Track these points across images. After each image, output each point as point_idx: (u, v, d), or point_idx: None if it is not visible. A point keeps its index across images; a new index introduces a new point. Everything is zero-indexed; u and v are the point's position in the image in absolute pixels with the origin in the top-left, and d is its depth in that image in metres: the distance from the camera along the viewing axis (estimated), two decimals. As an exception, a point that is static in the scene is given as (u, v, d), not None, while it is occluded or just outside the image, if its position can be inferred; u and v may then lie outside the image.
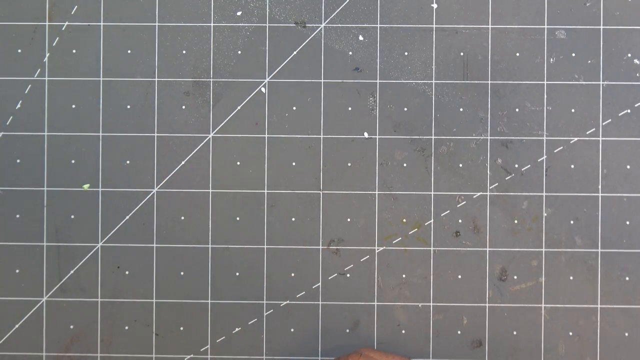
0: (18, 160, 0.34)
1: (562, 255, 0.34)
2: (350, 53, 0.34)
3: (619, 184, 0.34)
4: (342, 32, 0.34)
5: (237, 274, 0.34)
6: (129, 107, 0.34)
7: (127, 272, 0.34)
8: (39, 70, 0.34)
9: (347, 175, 0.34)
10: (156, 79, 0.34)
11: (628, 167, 0.34)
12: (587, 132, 0.34)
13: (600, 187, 0.34)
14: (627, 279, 0.34)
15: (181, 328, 0.34)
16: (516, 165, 0.34)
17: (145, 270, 0.34)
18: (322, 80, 0.34)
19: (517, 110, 0.34)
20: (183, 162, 0.34)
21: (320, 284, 0.34)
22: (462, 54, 0.34)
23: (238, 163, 0.34)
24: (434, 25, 0.34)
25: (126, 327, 0.34)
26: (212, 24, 0.34)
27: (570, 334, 0.34)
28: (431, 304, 0.34)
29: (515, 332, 0.34)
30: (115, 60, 0.34)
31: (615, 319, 0.34)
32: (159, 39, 0.34)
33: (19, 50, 0.34)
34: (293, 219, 0.34)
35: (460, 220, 0.34)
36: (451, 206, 0.34)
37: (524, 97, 0.34)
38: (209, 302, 0.34)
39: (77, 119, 0.34)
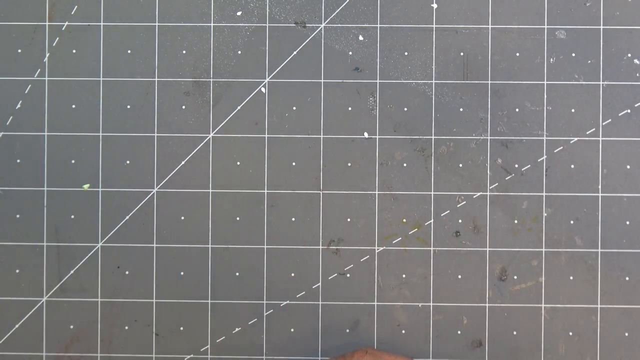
0: (18, 160, 0.34)
1: (562, 255, 0.34)
2: (350, 53, 0.34)
3: (619, 184, 0.34)
4: (342, 32, 0.34)
5: (237, 274, 0.34)
6: (129, 107, 0.34)
7: (127, 272, 0.34)
8: (39, 70, 0.34)
9: (347, 175, 0.34)
10: (156, 79, 0.34)
11: (628, 167, 0.34)
12: (587, 132, 0.34)
13: (600, 187, 0.34)
14: (627, 279, 0.34)
15: (181, 328, 0.34)
16: (516, 165, 0.34)
17: (145, 270, 0.34)
18: (322, 80, 0.34)
19: (517, 110, 0.34)
20: (183, 162, 0.34)
21: (320, 284, 0.34)
22: (462, 54, 0.34)
23: (238, 163, 0.34)
24: (434, 25, 0.34)
25: (126, 327, 0.34)
26: (212, 24, 0.34)
27: (570, 334, 0.34)
28: (431, 304, 0.34)
29: (515, 332, 0.34)
30: (115, 60, 0.34)
31: (615, 319, 0.34)
32: (159, 39, 0.34)
33: (19, 50, 0.34)
34: (293, 219, 0.34)
35: (460, 220, 0.34)
36: (451, 206, 0.34)
37: (524, 97, 0.34)
38: (209, 302, 0.34)
39: (77, 119, 0.34)
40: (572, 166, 0.34)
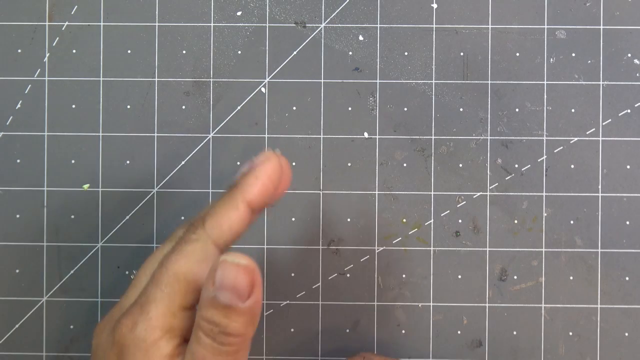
0: (18, 160, 0.34)
1: (562, 255, 0.34)
2: (350, 53, 0.34)
3: (619, 184, 0.34)
4: (342, 32, 0.34)
5: (237, 274, 0.34)
6: (129, 107, 0.34)
7: (127, 272, 0.34)
8: (39, 70, 0.34)
9: (347, 175, 0.34)
10: (156, 79, 0.34)
11: (628, 167, 0.34)
12: (587, 132, 0.34)
13: (600, 187, 0.34)
14: (627, 279, 0.34)
15: (181, 328, 0.34)
16: (516, 165, 0.34)
17: (145, 270, 0.34)
18: (322, 80, 0.34)
19: (517, 110, 0.34)
20: (183, 162, 0.34)
21: (320, 284, 0.34)
22: (462, 54, 0.34)
23: (238, 163, 0.34)
24: (434, 25, 0.34)
25: (126, 327, 0.34)
26: (212, 24, 0.34)
27: (570, 334, 0.34)
28: (431, 304, 0.34)
29: (515, 332, 0.34)
30: (115, 60, 0.34)
31: (615, 319, 0.34)
32: (159, 39, 0.34)
33: (19, 50, 0.34)
34: (293, 219, 0.34)
35: (460, 220, 0.34)
36: (451, 206, 0.34)
37: (524, 97, 0.34)
38: (209, 302, 0.34)
39: (77, 119, 0.34)
40: (572, 166, 0.34)
